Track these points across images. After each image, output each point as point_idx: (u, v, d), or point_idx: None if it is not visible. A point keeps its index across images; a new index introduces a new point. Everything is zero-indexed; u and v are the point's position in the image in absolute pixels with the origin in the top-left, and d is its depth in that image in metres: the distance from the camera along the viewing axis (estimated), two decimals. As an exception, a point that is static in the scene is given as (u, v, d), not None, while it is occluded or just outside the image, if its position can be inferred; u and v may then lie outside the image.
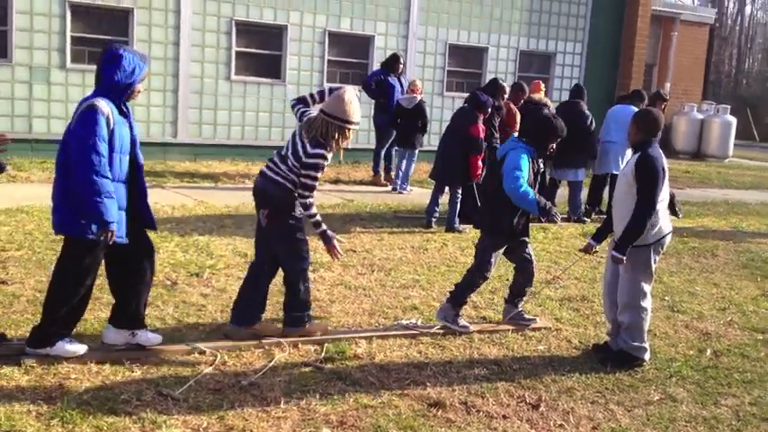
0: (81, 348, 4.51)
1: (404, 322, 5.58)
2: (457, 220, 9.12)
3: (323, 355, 4.87)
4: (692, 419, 4.44)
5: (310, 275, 6.62)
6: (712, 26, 26.13)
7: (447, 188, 9.28)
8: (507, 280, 6.85)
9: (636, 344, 5.12)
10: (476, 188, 9.27)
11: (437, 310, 5.70)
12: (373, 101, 12.20)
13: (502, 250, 5.63)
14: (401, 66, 12.25)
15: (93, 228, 4.24)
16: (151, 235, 7.57)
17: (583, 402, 4.53)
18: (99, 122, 4.20)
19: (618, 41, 18.16)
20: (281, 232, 5.05)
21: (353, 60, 14.87)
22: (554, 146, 5.52)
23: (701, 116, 22.72)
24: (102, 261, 4.56)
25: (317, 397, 4.27)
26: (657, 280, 7.51)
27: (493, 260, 5.55)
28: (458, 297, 5.60)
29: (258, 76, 14.18)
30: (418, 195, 11.21)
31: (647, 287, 5.13)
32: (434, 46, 15.84)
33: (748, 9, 56.95)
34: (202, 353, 4.71)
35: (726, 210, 12.74)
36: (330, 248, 5.02)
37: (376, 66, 14.14)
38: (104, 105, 4.26)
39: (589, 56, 17.79)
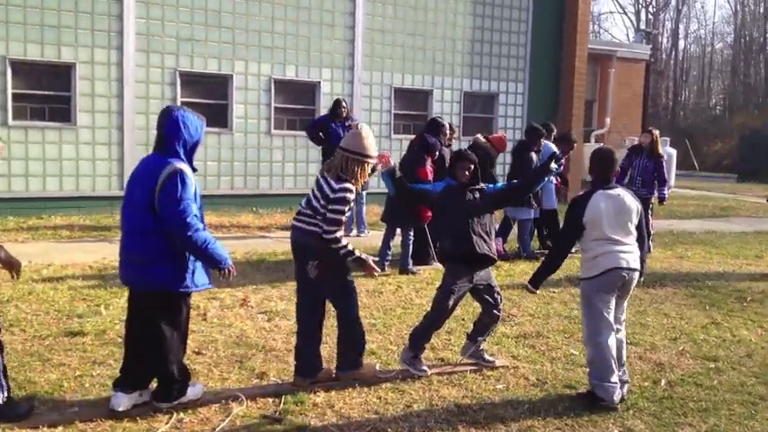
0: (200, 389, 4.87)
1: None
2: (410, 261, 9.16)
3: (281, 406, 4.81)
4: (652, 451, 4.48)
5: (266, 324, 6.60)
6: (648, 61, 26.98)
7: (399, 230, 9.33)
8: (464, 320, 6.88)
9: (595, 382, 5.09)
10: (427, 229, 9.35)
11: (401, 354, 5.69)
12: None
13: (463, 292, 5.59)
14: (344, 110, 12.23)
15: (196, 279, 4.54)
16: (101, 291, 7.46)
17: (544, 440, 4.55)
18: (188, 185, 4.41)
19: (558, 80, 18.62)
20: (332, 280, 5.20)
21: (300, 107, 14.97)
22: (467, 172, 5.55)
23: (642, 149, 23.29)
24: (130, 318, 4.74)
25: (278, 450, 4.21)
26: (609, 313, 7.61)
27: (451, 303, 5.54)
28: (415, 341, 5.59)
29: (205, 126, 14.12)
30: (371, 238, 11.23)
31: (596, 323, 5.12)
32: (380, 90, 16.03)
33: (682, 43, 59.07)
34: (158, 410, 4.61)
35: (671, 240, 13.03)
36: (367, 269, 5.22)
37: (323, 111, 14.23)
38: (186, 167, 4.45)
39: (531, 95, 18.21)
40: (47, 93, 12.78)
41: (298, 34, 14.91)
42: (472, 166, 5.59)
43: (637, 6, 57.94)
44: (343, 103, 12.19)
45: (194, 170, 4.58)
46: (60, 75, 12.85)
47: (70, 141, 12.86)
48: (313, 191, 5.19)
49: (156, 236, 4.40)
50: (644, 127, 26.70)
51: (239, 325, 6.56)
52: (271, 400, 4.91)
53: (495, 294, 5.71)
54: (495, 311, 5.70)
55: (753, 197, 22.92)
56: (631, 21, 58.04)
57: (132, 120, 13.31)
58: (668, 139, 25.12)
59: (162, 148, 4.51)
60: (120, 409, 4.54)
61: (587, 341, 5.18)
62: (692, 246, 12.44)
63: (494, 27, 17.53)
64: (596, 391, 5.10)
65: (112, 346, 5.82)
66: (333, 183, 5.06)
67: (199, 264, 4.56)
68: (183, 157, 4.50)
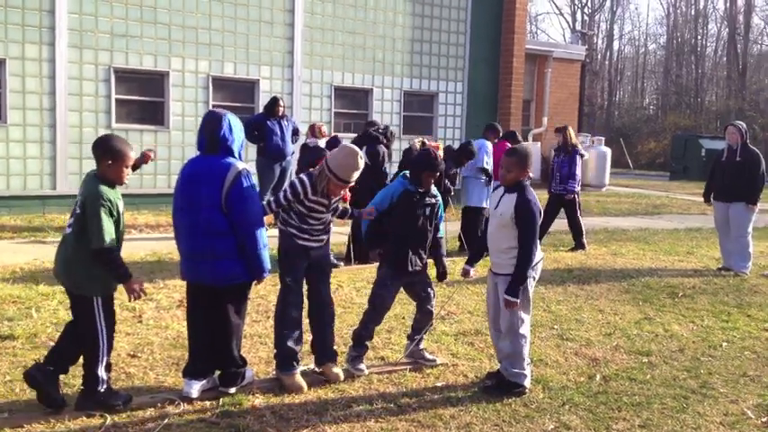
0: (252, 373, 5.25)
1: (300, 369, 5.50)
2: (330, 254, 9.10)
3: (219, 409, 4.74)
4: (587, 445, 4.56)
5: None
6: (583, 62, 27.48)
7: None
8: (404, 318, 6.90)
9: (515, 370, 5.28)
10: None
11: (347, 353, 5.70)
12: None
13: (397, 287, 5.67)
14: (281, 108, 12.12)
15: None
16: (32, 294, 7.25)
17: (482, 437, 4.58)
18: (255, 183, 4.78)
19: (496, 80, 18.84)
20: None
21: (239, 105, 14.78)
22: (430, 179, 5.56)
23: (578, 148, 23.73)
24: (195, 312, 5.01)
25: (215, 453, 4.15)
26: (546, 309, 7.75)
27: (386, 295, 5.61)
28: (358, 340, 5.63)
29: (141, 124, 13.89)
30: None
31: (525, 315, 5.26)
32: (320, 88, 15.97)
33: (616, 44, 60.36)
34: (91, 416, 4.50)
35: (606, 237, 13.29)
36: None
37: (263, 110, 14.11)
38: (246, 166, 4.76)
39: (470, 95, 18.37)
40: (-26, 89, 12.38)
41: (236, 31, 14.75)
42: (438, 175, 5.66)
43: (573, 7, 59.06)
44: (281, 101, 12.10)
45: None
46: (-11, 70, 12.46)
47: (0, 139, 12.48)
48: None
49: (226, 234, 4.69)
50: (580, 127, 27.27)
51: (176, 327, 6.45)
52: (208, 402, 4.84)
53: (429, 289, 5.75)
54: (428, 307, 5.75)
55: (684, 195, 23.56)
56: (567, 22, 59.18)
57: (65, 117, 12.98)
58: (603, 138, 25.67)
59: (216, 149, 4.76)
60: (194, 396, 4.83)
61: (509, 333, 5.26)
62: (626, 243, 12.72)
63: (433, 26, 17.64)
64: (516, 379, 5.28)
65: (44, 349, 5.64)
66: None
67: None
68: (238, 156, 4.79)
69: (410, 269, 5.57)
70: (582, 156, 11.76)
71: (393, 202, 5.59)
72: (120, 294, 4.76)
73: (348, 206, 5.68)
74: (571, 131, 11.87)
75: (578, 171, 11.55)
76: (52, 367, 4.61)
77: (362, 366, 5.58)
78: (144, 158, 5.22)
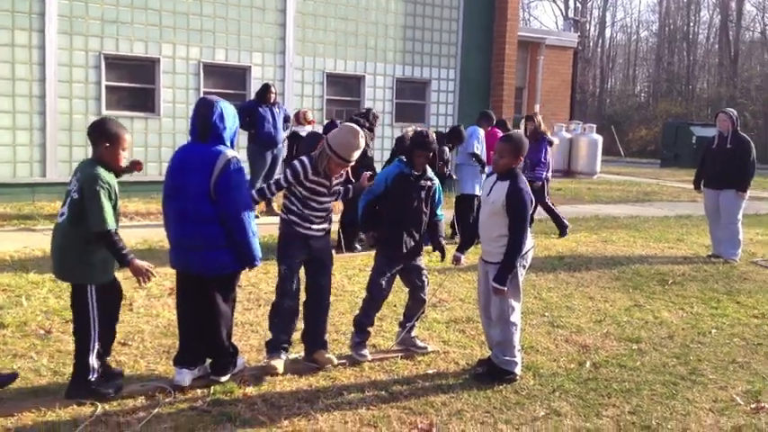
0: (243, 361, 5.22)
1: (292, 356, 5.52)
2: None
3: (210, 397, 4.75)
4: (577, 432, 4.59)
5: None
6: (576, 49, 27.46)
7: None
8: (395, 306, 6.91)
9: (506, 358, 5.30)
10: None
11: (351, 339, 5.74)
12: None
13: (392, 272, 5.69)
14: (273, 95, 12.13)
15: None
16: (22, 282, 7.22)
17: (473, 424, 4.60)
18: (244, 171, 4.76)
19: (489, 67, 18.78)
20: None
21: (230, 92, 14.69)
22: (422, 159, 5.60)
23: (569, 135, 23.80)
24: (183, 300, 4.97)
25: (206, 441, 4.15)
26: (536, 296, 7.77)
27: (383, 282, 5.63)
28: (359, 326, 5.67)
29: (131, 111, 13.82)
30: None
31: (515, 303, 5.29)
32: (312, 75, 15.91)
33: (608, 32, 60.31)
34: (81, 404, 4.50)
35: (597, 224, 13.33)
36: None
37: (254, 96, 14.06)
38: (236, 154, 4.74)
39: (462, 82, 18.32)
40: (-37, 75, 12.28)
41: (227, 17, 14.66)
42: (431, 155, 5.66)
43: (565, -6, 58.90)
44: (272, 88, 12.09)
45: None
46: (-23, 57, 12.36)
47: (-11, 126, 12.40)
48: None
49: (215, 222, 4.65)
50: (572, 114, 27.27)
51: (167, 315, 6.44)
52: (199, 391, 4.84)
53: (423, 277, 5.79)
54: (421, 294, 5.78)
55: (675, 182, 23.61)
56: (560, 8, 59.05)
57: (55, 104, 12.89)
58: (594, 125, 25.69)
59: (207, 137, 4.73)
60: (185, 384, 4.80)
61: (500, 320, 5.28)
62: (617, 230, 12.76)
63: (426, 13, 17.56)
64: (507, 366, 5.30)
65: (34, 338, 5.65)
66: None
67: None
68: (229, 145, 4.77)
69: (404, 250, 5.58)
70: (550, 143, 11.75)
71: (388, 184, 5.61)
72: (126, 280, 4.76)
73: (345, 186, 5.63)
74: (540, 119, 11.87)
75: (545, 158, 11.50)
76: None
77: (365, 352, 5.62)
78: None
